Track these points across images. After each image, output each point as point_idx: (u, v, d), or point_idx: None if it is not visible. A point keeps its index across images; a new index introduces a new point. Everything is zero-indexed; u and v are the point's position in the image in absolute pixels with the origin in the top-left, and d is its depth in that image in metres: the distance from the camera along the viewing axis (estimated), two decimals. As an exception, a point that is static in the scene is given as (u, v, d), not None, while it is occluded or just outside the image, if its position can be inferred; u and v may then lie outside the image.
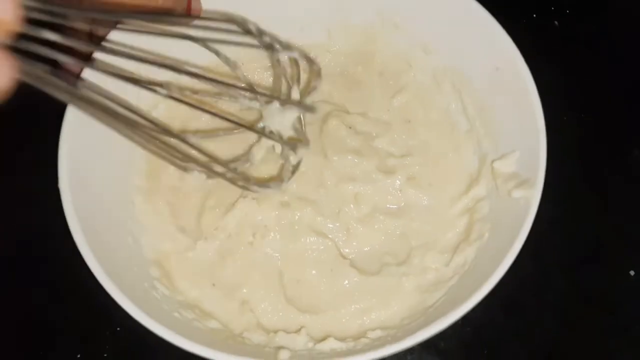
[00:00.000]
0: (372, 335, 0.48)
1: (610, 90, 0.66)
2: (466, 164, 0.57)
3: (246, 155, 0.55)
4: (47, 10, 0.32)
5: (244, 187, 0.49)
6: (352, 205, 0.55)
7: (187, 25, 0.41)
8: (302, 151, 0.49)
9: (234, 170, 0.48)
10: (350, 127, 0.58)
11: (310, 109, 0.46)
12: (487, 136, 0.54)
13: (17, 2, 0.20)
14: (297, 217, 0.54)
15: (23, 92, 0.30)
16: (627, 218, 0.61)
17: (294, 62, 0.50)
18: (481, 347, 0.55)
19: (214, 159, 0.48)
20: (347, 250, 0.54)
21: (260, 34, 0.42)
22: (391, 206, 0.56)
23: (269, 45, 0.43)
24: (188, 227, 0.57)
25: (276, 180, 0.53)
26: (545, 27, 0.69)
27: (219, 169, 0.47)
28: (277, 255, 0.54)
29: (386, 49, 0.60)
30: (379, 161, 0.57)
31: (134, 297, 0.44)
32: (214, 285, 0.54)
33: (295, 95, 0.50)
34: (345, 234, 0.54)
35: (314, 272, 0.54)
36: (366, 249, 0.54)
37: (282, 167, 0.54)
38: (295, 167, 0.51)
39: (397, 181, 0.56)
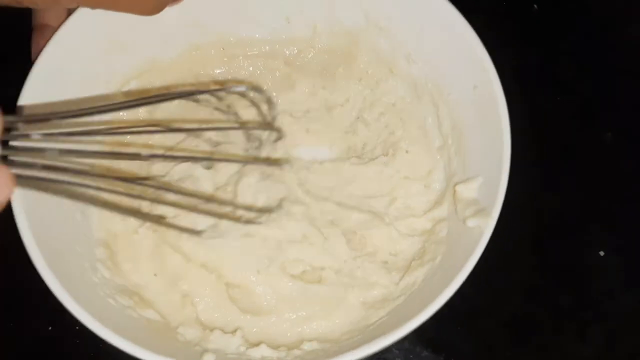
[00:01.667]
0: (307, 346, 0.47)
1: (587, 73, 0.66)
2: (435, 182, 0.55)
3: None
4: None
5: (248, 222, 0.49)
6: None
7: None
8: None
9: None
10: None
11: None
12: (457, 155, 0.52)
13: None
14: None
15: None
16: (598, 199, 0.62)
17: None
18: (453, 322, 0.56)
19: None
20: (290, 257, 0.52)
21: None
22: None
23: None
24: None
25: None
26: (525, 11, 0.69)
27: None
28: (216, 253, 0.52)
29: (369, 52, 0.58)
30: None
31: (65, 276, 0.42)
32: (155, 275, 0.52)
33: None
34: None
35: (257, 271, 0.52)
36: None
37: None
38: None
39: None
